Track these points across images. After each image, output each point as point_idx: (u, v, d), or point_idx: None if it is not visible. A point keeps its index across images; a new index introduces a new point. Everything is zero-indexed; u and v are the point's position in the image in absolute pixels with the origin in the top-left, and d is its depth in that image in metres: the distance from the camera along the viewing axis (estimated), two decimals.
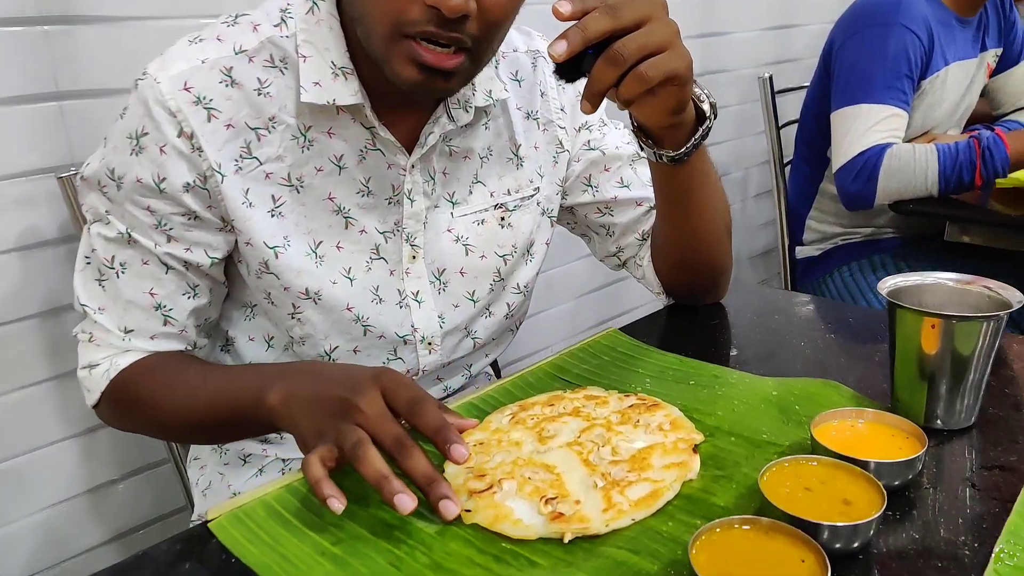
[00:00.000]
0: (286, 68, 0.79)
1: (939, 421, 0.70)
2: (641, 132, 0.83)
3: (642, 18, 0.67)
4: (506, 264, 0.94)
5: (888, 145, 1.57)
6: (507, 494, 0.62)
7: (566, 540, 0.58)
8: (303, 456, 0.64)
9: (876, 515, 0.54)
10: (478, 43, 0.73)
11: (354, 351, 0.89)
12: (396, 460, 0.61)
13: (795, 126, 1.93)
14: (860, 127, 1.59)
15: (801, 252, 1.91)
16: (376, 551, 0.59)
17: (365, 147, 0.83)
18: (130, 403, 0.83)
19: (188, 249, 0.80)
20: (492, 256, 0.93)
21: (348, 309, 0.86)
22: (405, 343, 0.90)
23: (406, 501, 0.58)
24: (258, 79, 0.78)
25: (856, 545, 0.54)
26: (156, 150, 0.76)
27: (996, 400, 0.74)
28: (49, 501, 1.15)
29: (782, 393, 0.77)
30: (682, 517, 0.60)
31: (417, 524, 0.61)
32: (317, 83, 0.78)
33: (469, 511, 0.61)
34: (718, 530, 0.53)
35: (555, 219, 1.00)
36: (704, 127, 0.81)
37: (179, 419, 0.81)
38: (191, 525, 0.99)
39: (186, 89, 0.76)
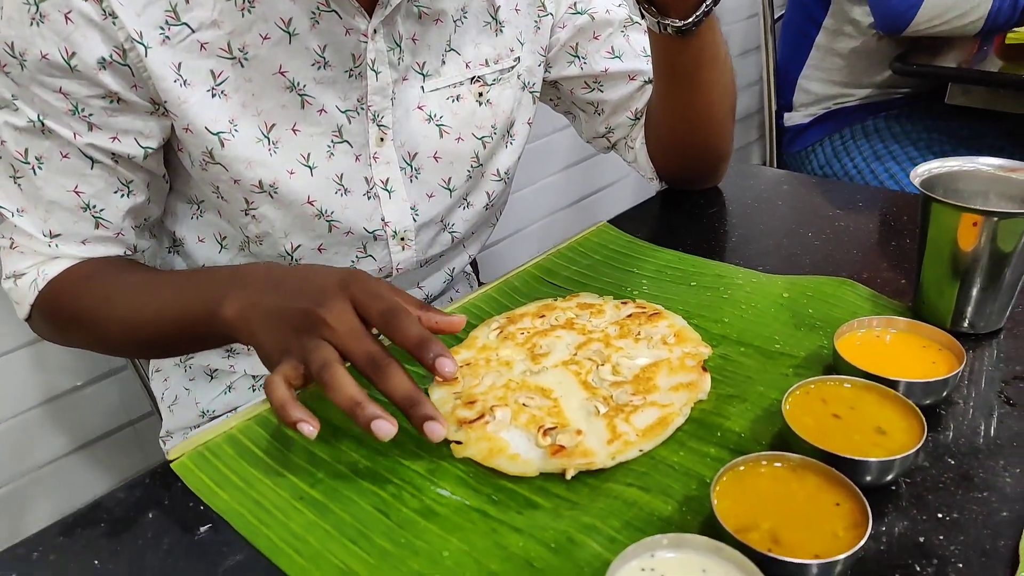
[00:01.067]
0: None
1: (967, 323, 0.64)
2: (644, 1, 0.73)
3: None
4: (485, 148, 0.84)
5: None
6: (501, 424, 0.56)
7: (568, 476, 0.52)
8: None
9: (916, 447, 0.48)
10: None
11: (318, 249, 0.80)
12: (371, 380, 0.54)
13: None
14: None
15: (789, 119, 1.81)
16: (359, 494, 0.53)
17: (317, 8, 0.70)
18: (65, 317, 0.74)
19: (114, 138, 0.69)
20: (469, 138, 0.82)
21: (309, 203, 0.76)
22: (375, 239, 0.81)
23: (385, 426, 0.51)
24: None
25: (890, 478, 0.49)
26: (60, 18, 0.63)
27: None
28: (4, 415, 1.08)
29: (793, 294, 0.70)
30: (694, 445, 0.55)
31: (403, 462, 0.55)
32: None
33: (460, 443, 0.55)
34: (741, 468, 0.48)
35: (537, 95, 0.89)
36: None
37: (123, 334, 0.72)
38: (161, 442, 0.94)
39: None
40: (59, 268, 0.73)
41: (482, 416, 0.56)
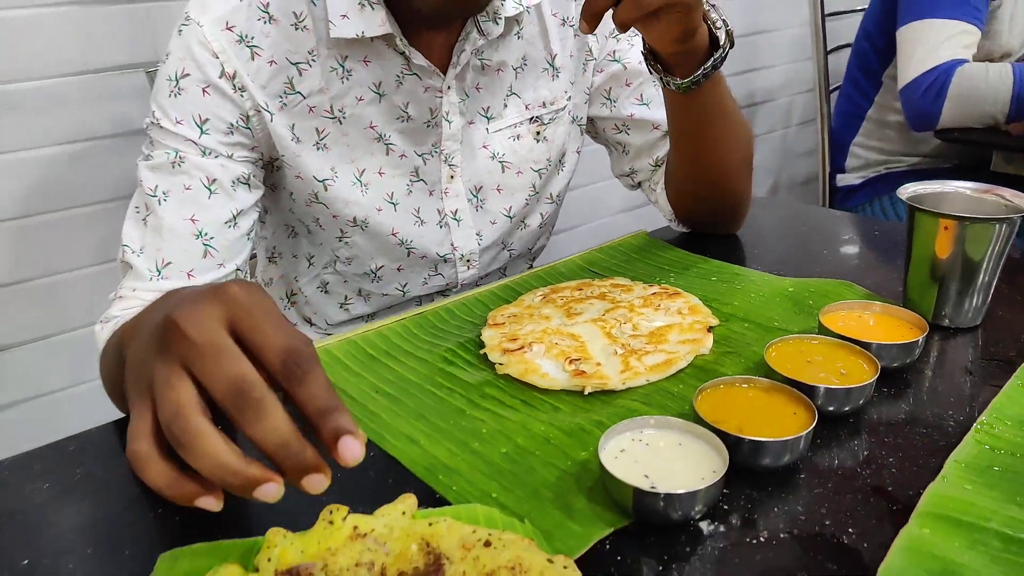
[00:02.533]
0: (316, 0, 0.79)
1: (947, 319, 0.75)
2: (652, 56, 0.81)
3: None
4: (541, 178, 0.97)
5: (960, 62, 1.51)
6: (536, 354, 0.69)
7: (586, 392, 0.65)
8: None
9: (868, 382, 0.59)
10: None
11: (397, 269, 0.95)
12: (234, 420, 0.40)
13: (843, 51, 1.91)
14: (930, 42, 1.54)
15: (842, 180, 1.92)
16: (421, 392, 0.67)
17: (401, 72, 0.84)
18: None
19: (231, 181, 0.80)
20: (528, 171, 0.96)
21: (393, 234, 0.91)
22: (445, 261, 0.95)
23: (272, 489, 0.40)
24: (294, 13, 0.79)
25: (847, 409, 0.60)
26: (199, 91, 0.77)
27: (1005, 303, 0.78)
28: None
29: (798, 289, 0.82)
30: (691, 382, 0.66)
31: (456, 373, 0.69)
32: (344, 16, 0.78)
33: (503, 364, 0.68)
34: (721, 386, 0.60)
35: (583, 127, 1.01)
36: (717, 56, 0.79)
37: (106, 379, 0.70)
38: None
39: (228, 29, 0.77)
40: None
41: (522, 348, 0.70)
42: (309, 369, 0.41)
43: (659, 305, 0.78)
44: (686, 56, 0.78)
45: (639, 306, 0.78)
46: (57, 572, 0.49)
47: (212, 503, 0.41)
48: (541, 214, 1.02)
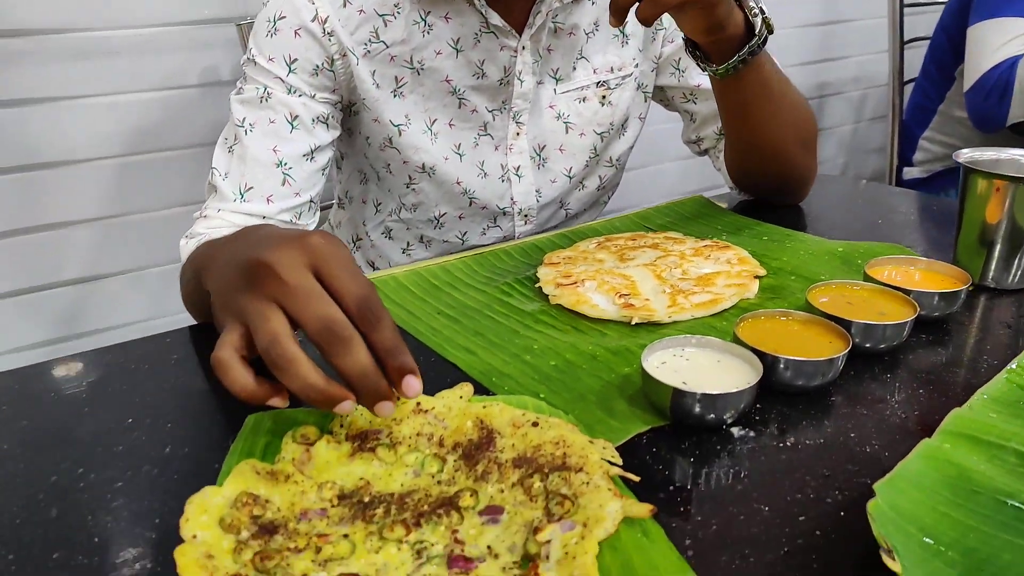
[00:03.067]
0: None
1: (993, 282, 0.76)
2: (690, 43, 0.84)
3: None
4: (602, 141, 1.02)
5: (1022, 56, 1.49)
6: (588, 289, 0.74)
7: (632, 323, 0.69)
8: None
9: (904, 320, 0.62)
10: None
11: (459, 217, 1.00)
12: (324, 353, 0.47)
13: (919, 44, 1.90)
14: (996, 41, 1.52)
15: (908, 173, 1.91)
16: (479, 316, 0.72)
17: (479, 31, 0.90)
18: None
19: (311, 119, 0.86)
20: (590, 133, 1.00)
21: (457, 183, 0.96)
22: (504, 214, 1.01)
23: (348, 406, 0.48)
24: None
25: (883, 347, 0.63)
26: (291, 33, 0.83)
27: None
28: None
29: (848, 250, 0.85)
30: (735, 320, 0.69)
31: (512, 303, 0.74)
32: None
33: (556, 295, 0.73)
34: (762, 317, 0.63)
35: (649, 95, 1.05)
36: (752, 44, 0.81)
37: (184, 293, 0.75)
38: None
39: None
40: (220, 235, 0.72)
41: (575, 283, 0.75)
42: (381, 315, 0.48)
43: (709, 255, 0.81)
44: (720, 44, 0.81)
45: (690, 255, 0.81)
46: (156, 429, 0.55)
47: (279, 402, 0.49)
48: (600, 176, 1.06)
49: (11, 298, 1.23)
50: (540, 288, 0.76)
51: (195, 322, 0.73)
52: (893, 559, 0.37)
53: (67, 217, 1.24)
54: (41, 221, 1.23)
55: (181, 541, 0.42)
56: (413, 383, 0.49)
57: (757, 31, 0.81)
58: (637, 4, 0.72)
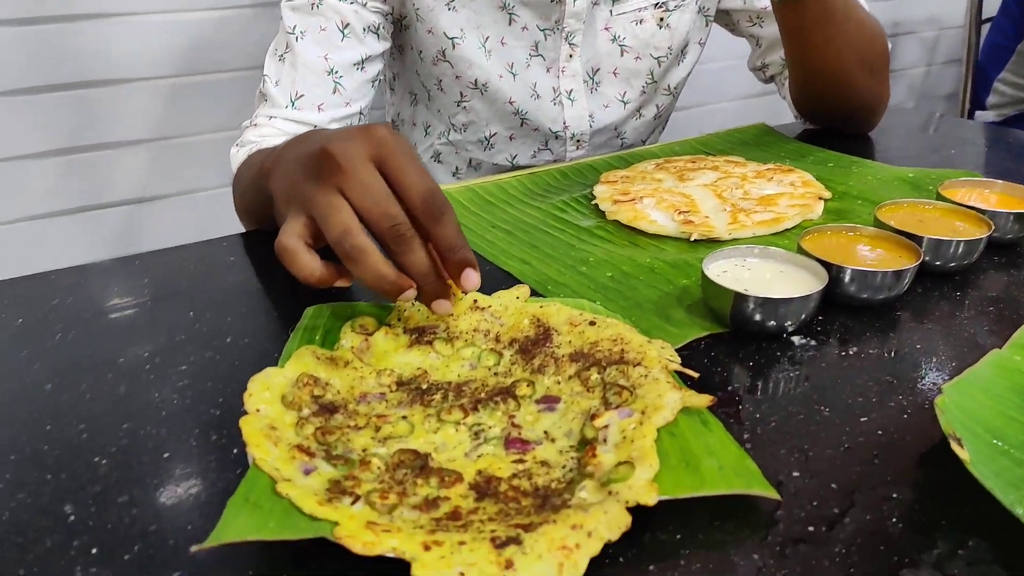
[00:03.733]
0: None
1: None
2: None
3: None
4: (660, 66, 0.99)
5: None
6: (646, 205, 0.72)
7: (692, 239, 0.68)
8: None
9: (977, 237, 0.59)
10: None
11: (510, 138, 0.99)
12: (388, 249, 0.48)
13: None
14: None
15: (981, 117, 1.83)
16: (535, 230, 0.71)
17: None
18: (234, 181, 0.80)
19: (362, 28, 0.85)
20: (647, 58, 0.98)
21: (510, 102, 0.95)
22: (556, 137, 0.99)
23: (411, 295, 0.49)
24: None
25: (953, 265, 0.60)
26: None
27: None
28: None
29: (919, 175, 0.81)
30: (796, 237, 0.68)
31: (567, 219, 0.73)
32: None
33: (613, 211, 0.72)
34: (828, 232, 0.61)
35: (711, 19, 1.02)
36: None
37: (237, 198, 0.77)
38: None
39: None
40: (272, 142, 0.75)
41: (632, 200, 0.73)
42: (444, 210, 0.48)
43: (772, 178, 0.79)
44: None
45: (751, 177, 0.79)
46: (216, 322, 0.57)
47: (345, 283, 0.50)
48: (657, 105, 1.03)
49: (65, 216, 1.26)
50: (596, 206, 0.75)
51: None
52: (962, 447, 0.36)
53: (120, 137, 1.26)
54: (95, 140, 1.24)
55: (245, 415, 0.43)
56: (472, 276, 0.49)
57: None
58: None
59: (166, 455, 0.43)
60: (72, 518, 0.39)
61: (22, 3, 1.13)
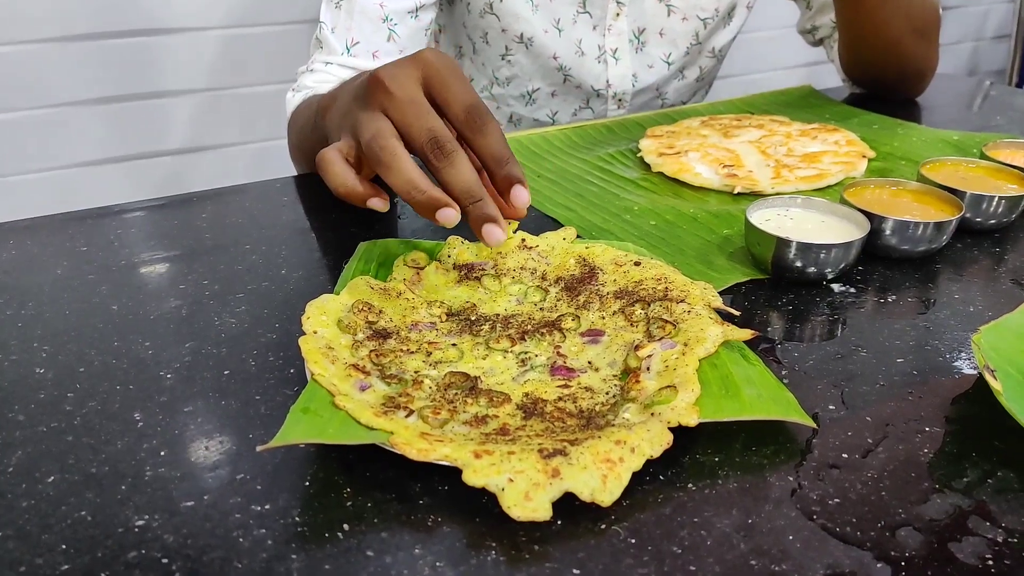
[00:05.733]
0: None
1: None
2: None
3: None
4: (705, 28, 0.99)
5: None
6: (691, 159, 0.73)
7: (735, 192, 0.69)
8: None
9: (1020, 194, 0.59)
10: None
11: (552, 94, 1.00)
12: (429, 164, 0.47)
13: None
14: None
15: None
16: (580, 180, 0.73)
17: None
18: (289, 125, 0.82)
19: None
20: (693, 19, 0.97)
21: (554, 58, 0.95)
22: (598, 96, 0.99)
23: (450, 214, 0.46)
24: None
25: (993, 223, 0.61)
26: None
27: None
28: None
29: (964, 138, 0.81)
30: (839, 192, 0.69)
31: (612, 170, 0.74)
32: None
33: (658, 164, 0.73)
34: (871, 186, 0.62)
35: None
36: None
37: (293, 136, 0.79)
38: None
39: None
40: (327, 88, 0.73)
41: (677, 153, 0.74)
42: (488, 121, 0.48)
43: (816, 136, 0.79)
44: None
45: (796, 135, 0.79)
46: (272, 255, 0.59)
47: (380, 204, 0.49)
48: (700, 67, 1.03)
49: (116, 163, 1.29)
50: (641, 159, 0.76)
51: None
52: (995, 380, 0.37)
53: (172, 86, 1.28)
54: (148, 89, 1.27)
55: (303, 335, 0.45)
56: (522, 193, 0.47)
57: None
58: None
59: (226, 372, 0.46)
60: (141, 424, 0.42)
61: None
